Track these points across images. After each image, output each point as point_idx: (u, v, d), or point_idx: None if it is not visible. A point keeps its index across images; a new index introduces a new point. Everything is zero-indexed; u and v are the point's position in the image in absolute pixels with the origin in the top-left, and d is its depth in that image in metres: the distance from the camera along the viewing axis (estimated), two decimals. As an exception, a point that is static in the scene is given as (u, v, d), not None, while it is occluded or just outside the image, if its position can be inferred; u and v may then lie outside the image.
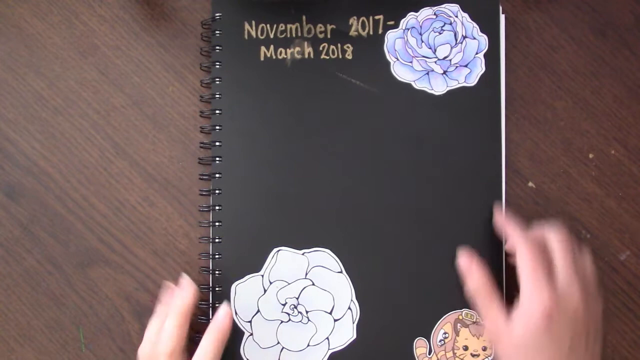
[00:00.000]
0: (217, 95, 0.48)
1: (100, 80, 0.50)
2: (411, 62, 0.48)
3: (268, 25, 0.48)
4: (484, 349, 0.47)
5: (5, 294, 0.49)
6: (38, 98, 0.50)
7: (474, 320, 0.47)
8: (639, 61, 0.49)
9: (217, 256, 0.47)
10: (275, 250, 0.47)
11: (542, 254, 0.43)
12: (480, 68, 0.48)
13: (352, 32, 0.48)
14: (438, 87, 0.48)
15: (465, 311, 0.47)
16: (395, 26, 0.48)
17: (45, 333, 0.49)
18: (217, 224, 0.47)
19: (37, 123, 0.50)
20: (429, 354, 0.47)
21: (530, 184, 0.49)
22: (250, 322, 0.47)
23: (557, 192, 0.49)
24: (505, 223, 0.46)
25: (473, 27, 0.48)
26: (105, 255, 0.49)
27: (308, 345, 0.47)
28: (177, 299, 0.44)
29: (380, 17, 0.48)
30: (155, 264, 0.49)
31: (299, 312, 0.47)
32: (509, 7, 0.49)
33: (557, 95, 0.49)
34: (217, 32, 0.48)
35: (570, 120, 0.49)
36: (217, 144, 0.48)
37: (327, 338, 0.47)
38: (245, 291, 0.47)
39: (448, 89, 0.48)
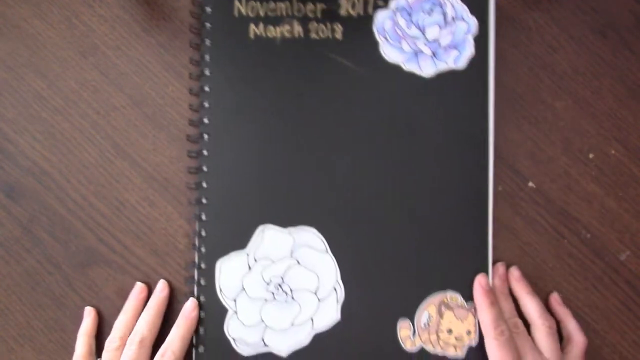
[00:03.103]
0: (207, 73, 0.48)
1: (100, 80, 0.50)
2: (400, 42, 0.48)
3: (258, 3, 0.48)
4: (468, 332, 0.47)
5: (5, 294, 0.49)
6: (38, 98, 0.50)
7: (459, 303, 0.47)
8: (639, 61, 0.49)
9: (202, 233, 0.47)
10: (260, 228, 0.47)
11: (513, 347, 0.44)
12: (469, 51, 0.48)
13: (342, 12, 0.48)
14: (427, 69, 0.48)
15: (449, 294, 0.47)
16: (385, 6, 0.48)
17: (45, 333, 0.49)
18: (203, 200, 0.47)
19: (37, 123, 0.50)
20: (413, 337, 0.47)
21: (530, 184, 0.49)
22: (234, 300, 0.47)
23: (557, 192, 0.49)
24: (480, 300, 0.46)
25: (463, 9, 0.48)
26: (105, 255, 0.49)
27: (292, 325, 0.47)
28: (156, 295, 0.48)
29: None
30: (155, 264, 0.49)
31: (283, 291, 0.47)
32: (509, 6, 0.49)
33: (557, 95, 0.49)
34: (207, 8, 0.48)
35: (570, 120, 0.49)
36: (205, 120, 0.48)
37: (312, 318, 0.47)
38: (229, 269, 0.47)
39: (437, 72, 0.48)
